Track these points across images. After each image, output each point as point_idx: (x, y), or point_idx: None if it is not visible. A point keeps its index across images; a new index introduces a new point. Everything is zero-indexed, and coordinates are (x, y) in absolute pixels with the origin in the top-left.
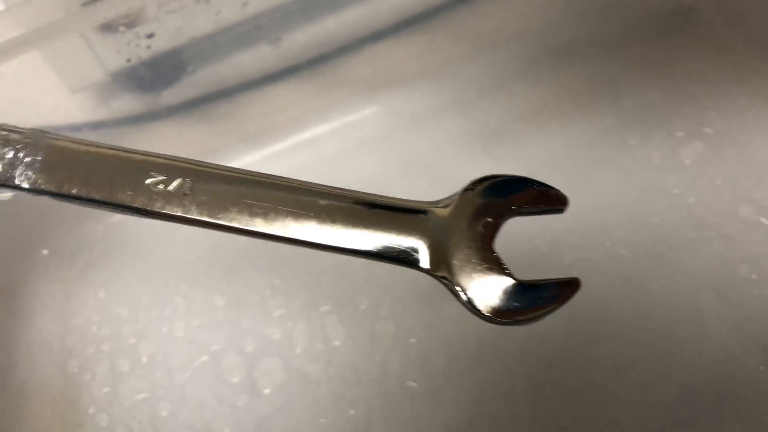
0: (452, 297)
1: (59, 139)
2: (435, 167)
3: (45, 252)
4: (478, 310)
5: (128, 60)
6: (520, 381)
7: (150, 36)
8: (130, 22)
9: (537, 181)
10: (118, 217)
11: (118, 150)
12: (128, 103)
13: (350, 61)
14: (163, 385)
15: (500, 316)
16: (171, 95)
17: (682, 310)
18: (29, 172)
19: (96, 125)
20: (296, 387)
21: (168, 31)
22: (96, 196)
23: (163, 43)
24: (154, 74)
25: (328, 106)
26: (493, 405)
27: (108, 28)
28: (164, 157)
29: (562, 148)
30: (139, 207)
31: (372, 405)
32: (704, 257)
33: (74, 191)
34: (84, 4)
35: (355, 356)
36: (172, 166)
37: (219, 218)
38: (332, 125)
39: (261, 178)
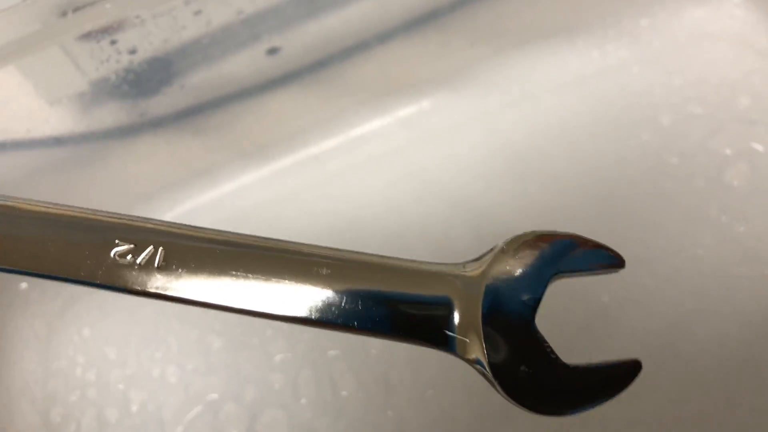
0: None
1: (2, 199)
2: (453, 188)
3: (24, 285)
4: (520, 402)
5: (113, 74)
6: None
7: (132, 52)
8: (112, 32)
9: (588, 240)
10: None
11: (76, 212)
12: (113, 115)
13: (357, 65)
14: None
15: (546, 408)
16: (160, 105)
17: (736, 359)
18: None
19: (78, 139)
20: None
21: (152, 44)
22: (48, 271)
23: (149, 52)
24: (140, 83)
25: (333, 117)
26: None
27: (89, 37)
28: (132, 219)
29: (595, 167)
30: (103, 284)
31: None
32: (759, 296)
33: (20, 266)
34: (62, 15)
35: (368, 409)
36: (141, 230)
37: (200, 296)
38: (338, 139)
39: (249, 242)
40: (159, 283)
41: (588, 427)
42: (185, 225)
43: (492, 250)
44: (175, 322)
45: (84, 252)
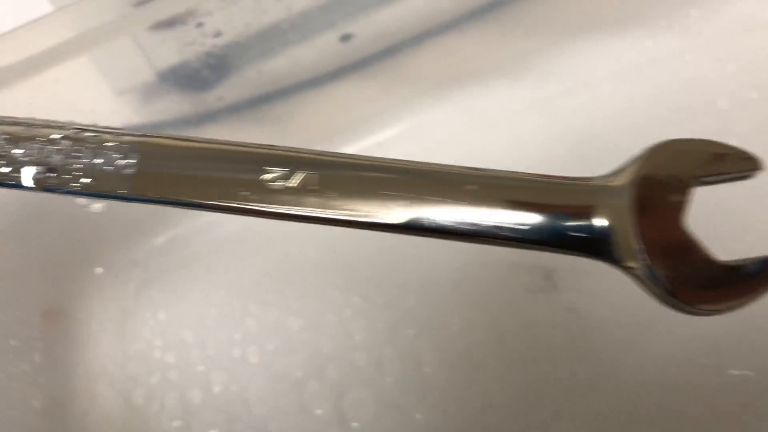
0: (561, 316)
1: (156, 137)
2: None
3: (99, 270)
4: (679, 302)
5: (182, 61)
6: (640, 411)
7: (217, 35)
8: (185, 20)
9: (723, 144)
10: (176, 231)
11: (224, 144)
12: (177, 104)
13: (417, 55)
14: (240, 418)
15: (706, 305)
16: (223, 95)
17: None
18: (127, 178)
19: (141, 129)
20: (390, 420)
21: (234, 29)
22: (206, 199)
23: (220, 40)
24: (205, 72)
25: (395, 105)
26: None
27: (160, 26)
28: (279, 148)
29: None
30: (260, 209)
31: None
32: None
33: (179, 196)
34: (136, 4)
35: (453, 385)
36: (290, 159)
37: (351, 215)
38: (401, 127)
39: (395, 164)
40: (312, 205)
41: (676, 394)
42: (333, 152)
43: (631, 160)
44: (252, 304)
45: (236, 179)
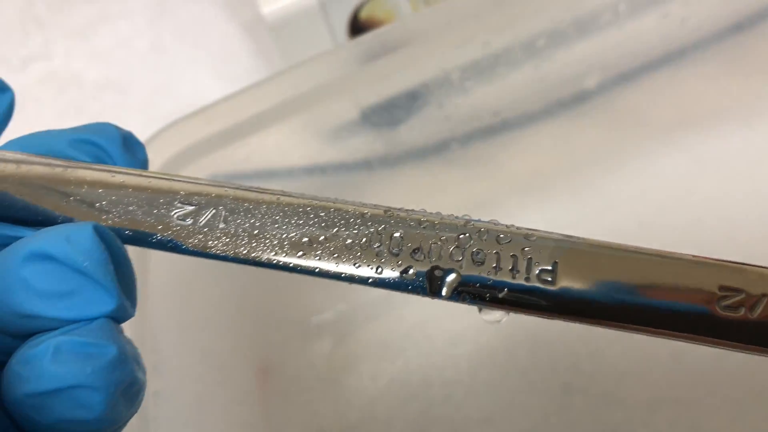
0: None
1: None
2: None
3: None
4: None
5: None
6: None
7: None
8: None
9: None
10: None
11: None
12: (367, 143)
13: (638, 93)
14: None
15: None
16: (415, 132)
17: None
18: None
19: (325, 169)
20: None
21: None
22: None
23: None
24: (399, 109)
25: (614, 149)
26: None
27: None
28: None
29: None
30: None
31: None
32: None
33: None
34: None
35: None
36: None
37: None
38: (622, 174)
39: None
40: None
41: None
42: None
43: None
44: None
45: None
